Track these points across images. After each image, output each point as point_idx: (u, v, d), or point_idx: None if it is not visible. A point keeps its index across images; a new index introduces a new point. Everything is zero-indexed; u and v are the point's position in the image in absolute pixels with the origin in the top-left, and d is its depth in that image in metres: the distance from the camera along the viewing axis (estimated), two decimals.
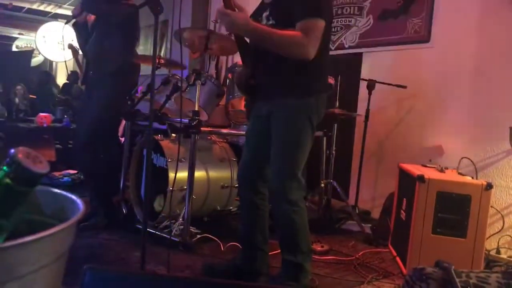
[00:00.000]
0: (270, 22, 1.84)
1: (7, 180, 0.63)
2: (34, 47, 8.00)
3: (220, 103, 3.21)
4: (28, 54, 8.25)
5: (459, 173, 2.42)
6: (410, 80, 3.15)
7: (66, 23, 3.13)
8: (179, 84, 2.90)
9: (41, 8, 8.22)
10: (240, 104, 3.05)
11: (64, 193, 0.96)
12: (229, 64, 4.54)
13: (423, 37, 3.22)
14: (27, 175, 0.64)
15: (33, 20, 8.45)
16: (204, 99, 2.90)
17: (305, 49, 1.70)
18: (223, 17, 1.69)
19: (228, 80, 3.19)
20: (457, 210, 2.17)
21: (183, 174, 2.63)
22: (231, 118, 3.16)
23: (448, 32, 3.07)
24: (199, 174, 2.76)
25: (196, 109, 2.67)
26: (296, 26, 1.71)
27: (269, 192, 1.96)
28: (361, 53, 3.65)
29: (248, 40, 1.98)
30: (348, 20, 3.74)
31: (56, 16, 8.47)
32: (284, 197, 1.82)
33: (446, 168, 2.49)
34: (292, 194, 1.82)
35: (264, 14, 1.89)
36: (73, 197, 0.94)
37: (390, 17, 3.43)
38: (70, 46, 3.37)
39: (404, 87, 3.09)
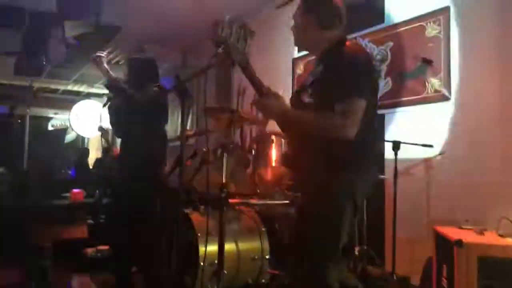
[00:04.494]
0: (311, 103, 1.84)
1: None
2: (68, 125, 8.44)
3: (247, 171, 3.26)
4: (62, 132, 8.71)
5: (500, 235, 2.31)
6: (436, 138, 3.13)
7: (104, 105, 3.30)
8: (206, 157, 2.99)
9: (75, 88, 8.79)
10: (267, 173, 3.09)
11: None
12: (253, 132, 4.65)
13: (444, 95, 3.23)
14: None
15: (67, 100, 9.01)
16: (230, 170, 2.95)
17: (344, 130, 1.67)
18: (259, 106, 1.77)
19: (253, 149, 3.26)
20: (503, 276, 2.05)
21: (213, 248, 2.61)
22: (259, 187, 3.18)
23: (469, 88, 3.07)
24: (228, 246, 2.73)
25: (224, 181, 2.71)
26: (335, 107, 1.69)
27: (304, 273, 1.83)
28: (383, 114, 3.68)
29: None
30: None
31: (88, 95, 9.02)
32: (321, 282, 1.75)
33: (485, 230, 2.39)
34: (328, 278, 1.75)
35: (305, 96, 1.90)
36: None
37: (409, 78, 3.49)
38: (100, 129, 3.56)
39: (431, 146, 3.07)
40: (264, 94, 1.79)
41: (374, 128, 1.91)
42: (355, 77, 1.71)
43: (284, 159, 2.22)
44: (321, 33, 1.87)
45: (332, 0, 1.86)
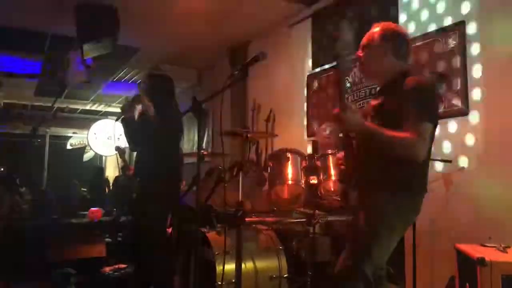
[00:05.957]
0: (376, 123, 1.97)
1: None
2: (86, 144, 8.59)
3: (263, 188, 3.25)
4: (80, 151, 8.85)
5: None
6: (454, 154, 3.08)
7: (116, 120, 3.37)
8: (222, 175, 3.00)
9: (93, 108, 8.97)
10: (283, 190, 3.08)
11: None
12: (269, 148, 4.65)
13: (461, 110, 3.18)
14: None
15: (85, 119, 9.19)
16: (246, 188, 2.96)
17: (416, 150, 1.77)
18: (338, 118, 1.87)
19: (269, 167, 3.25)
20: None
21: (230, 267, 2.60)
22: (275, 204, 3.17)
23: (488, 102, 3.02)
24: (246, 265, 2.71)
25: (240, 199, 2.71)
26: (405, 128, 1.78)
27: (334, 277, 1.92)
28: None
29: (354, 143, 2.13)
30: None
31: (106, 114, 9.18)
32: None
33: (508, 247, 2.32)
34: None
35: (369, 117, 2.03)
36: None
37: None
38: (117, 148, 3.61)
39: (449, 161, 3.02)
40: (344, 107, 1.89)
41: (429, 155, 1.99)
42: (426, 102, 1.84)
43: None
44: (394, 62, 2.03)
45: (405, 34, 2.09)
